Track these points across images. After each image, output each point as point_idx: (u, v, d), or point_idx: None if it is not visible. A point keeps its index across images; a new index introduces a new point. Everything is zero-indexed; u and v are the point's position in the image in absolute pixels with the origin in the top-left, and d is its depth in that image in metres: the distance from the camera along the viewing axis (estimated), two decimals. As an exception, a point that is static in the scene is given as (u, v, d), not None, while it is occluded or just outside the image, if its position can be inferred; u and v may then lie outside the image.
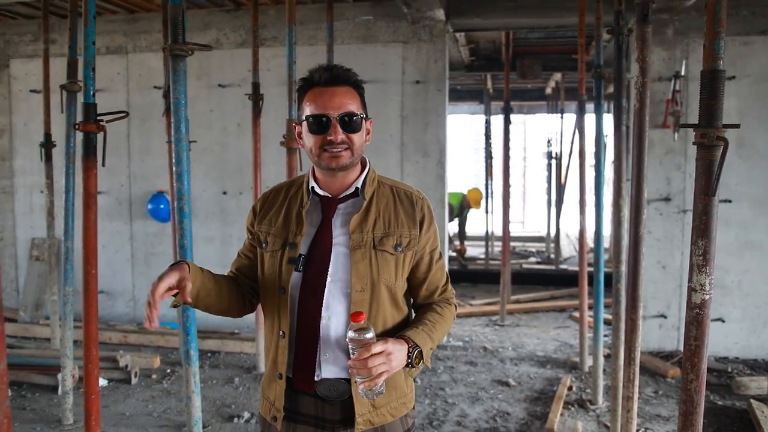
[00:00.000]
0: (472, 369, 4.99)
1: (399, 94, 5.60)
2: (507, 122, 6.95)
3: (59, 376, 4.43)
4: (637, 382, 2.66)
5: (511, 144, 7.16)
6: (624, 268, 3.28)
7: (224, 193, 6.00)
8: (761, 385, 4.39)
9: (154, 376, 4.82)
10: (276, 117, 5.44)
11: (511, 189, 7.10)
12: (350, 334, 1.45)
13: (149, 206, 6.06)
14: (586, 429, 3.84)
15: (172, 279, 1.49)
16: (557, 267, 9.06)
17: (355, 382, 1.51)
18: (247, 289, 1.77)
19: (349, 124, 1.57)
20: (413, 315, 1.76)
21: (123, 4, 5.74)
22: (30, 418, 4.05)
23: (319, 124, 1.56)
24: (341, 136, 1.56)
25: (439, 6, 5.08)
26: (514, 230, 12.72)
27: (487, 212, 9.36)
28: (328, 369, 1.60)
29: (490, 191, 9.48)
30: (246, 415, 4.06)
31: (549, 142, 11.07)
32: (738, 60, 5.07)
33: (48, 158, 5.07)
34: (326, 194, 1.67)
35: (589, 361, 4.82)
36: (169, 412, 4.16)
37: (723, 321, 5.16)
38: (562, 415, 4.02)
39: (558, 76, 9.47)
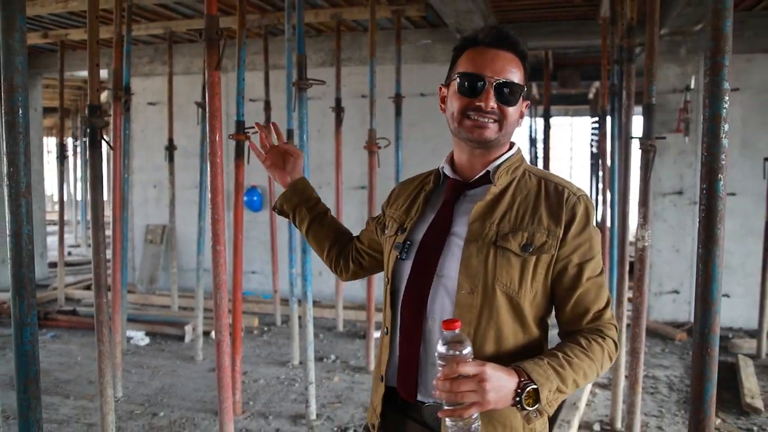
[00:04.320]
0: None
1: (452, 105, 6.69)
2: (547, 127, 7.96)
3: (187, 327, 5.71)
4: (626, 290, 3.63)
5: (551, 146, 8.16)
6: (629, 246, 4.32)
7: (306, 187, 7.19)
8: (751, 345, 5.32)
9: (255, 332, 6.04)
10: (350, 125, 6.58)
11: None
12: (440, 346, 1.17)
13: (244, 198, 7.30)
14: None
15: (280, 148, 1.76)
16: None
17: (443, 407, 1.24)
18: (352, 249, 1.73)
19: (505, 93, 1.34)
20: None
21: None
22: (168, 356, 5.31)
23: (471, 87, 1.34)
24: (492, 104, 1.33)
25: (487, 32, 6.13)
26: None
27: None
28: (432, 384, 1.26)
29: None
30: (332, 357, 5.23)
31: (592, 143, 11.94)
32: (742, 74, 5.97)
33: (171, 159, 6.34)
34: (456, 177, 1.45)
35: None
36: (272, 355, 5.36)
37: (728, 296, 6.07)
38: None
39: (597, 83, 10.38)
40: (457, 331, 1.17)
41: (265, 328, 6.17)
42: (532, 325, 1.36)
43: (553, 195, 1.38)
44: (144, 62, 7.69)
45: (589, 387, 4.31)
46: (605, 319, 1.37)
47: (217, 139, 2.69)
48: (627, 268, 3.69)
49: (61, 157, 6.90)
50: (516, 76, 1.37)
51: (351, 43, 6.88)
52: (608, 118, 5.27)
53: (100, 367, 2.96)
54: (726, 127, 1.46)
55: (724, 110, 1.46)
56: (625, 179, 3.61)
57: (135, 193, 7.82)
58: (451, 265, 1.36)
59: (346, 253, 1.74)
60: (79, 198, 12.84)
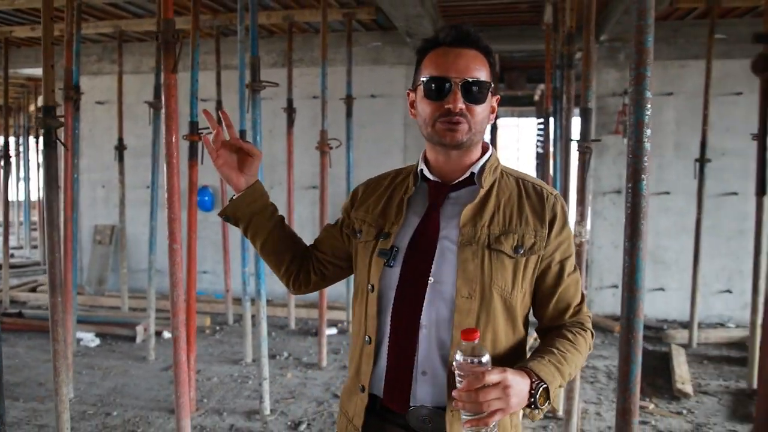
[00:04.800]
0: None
1: (402, 107, 6.84)
2: (494, 128, 8.22)
3: (138, 328, 5.70)
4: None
5: (498, 147, 8.41)
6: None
7: (258, 187, 7.24)
8: (684, 335, 5.64)
9: (207, 331, 6.06)
10: (302, 125, 6.64)
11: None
12: (458, 356, 1.18)
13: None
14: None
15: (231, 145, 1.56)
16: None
17: (452, 412, 1.30)
18: (312, 260, 1.62)
19: (473, 92, 1.33)
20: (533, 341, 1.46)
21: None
22: (120, 356, 5.29)
23: (438, 89, 1.33)
24: (461, 104, 1.32)
25: (435, 36, 6.30)
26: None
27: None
28: (424, 391, 1.35)
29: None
30: (285, 354, 5.31)
31: (537, 144, 12.29)
32: (675, 79, 6.30)
33: (121, 158, 6.29)
34: (437, 179, 1.43)
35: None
36: (225, 353, 5.40)
37: (663, 290, 6.39)
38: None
39: (542, 86, 10.71)
40: (476, 340, 1.17)
41: (218, 328, 6.20)
42: (521, 325, 1.39)
43: (533, 195, 1.41)
44: (92, 61, 7.60)
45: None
46: (583, 312, 1.44)
47: (174, 140, 2.75)
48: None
49: (5, 156, 6.75)
50: (482, 73, 1.36)
51: (303, 45, 6.96)
52: (551, 120, 5.50)
53: (55, 366, 2.98)
54: (648, 132, 1.62)
55: (647, 117, 1.61)
56: (566, 179, 3.81)
57: (83, 193, 7.68)
58: (445, 270, 1.35)
59: (306, 266, 1.63)
60: (21, 198, 12.50)
